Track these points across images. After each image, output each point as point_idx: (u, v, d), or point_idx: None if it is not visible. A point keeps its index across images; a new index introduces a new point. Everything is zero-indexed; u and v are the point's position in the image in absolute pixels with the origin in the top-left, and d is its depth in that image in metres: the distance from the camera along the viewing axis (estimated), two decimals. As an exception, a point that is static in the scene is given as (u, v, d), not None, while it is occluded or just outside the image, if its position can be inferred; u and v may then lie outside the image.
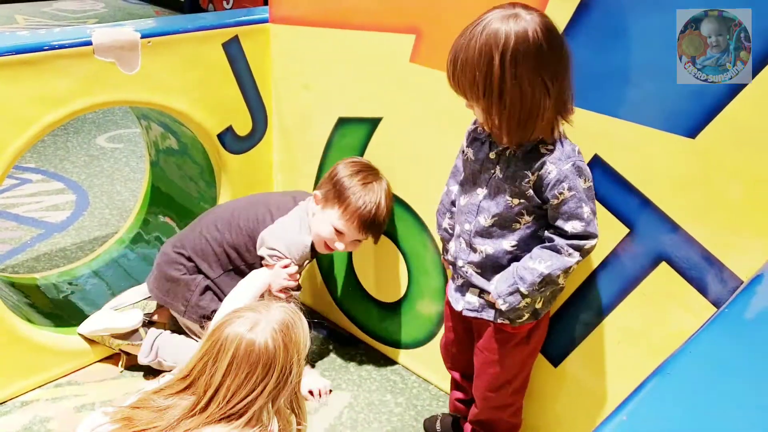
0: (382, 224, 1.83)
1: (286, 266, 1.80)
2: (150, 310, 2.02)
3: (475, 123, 1.43)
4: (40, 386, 1.90)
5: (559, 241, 1.33)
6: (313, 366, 2.04)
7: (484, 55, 1.21)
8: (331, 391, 1.95)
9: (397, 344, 2.06)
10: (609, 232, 1.43)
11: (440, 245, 1.79)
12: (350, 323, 2.18)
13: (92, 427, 1.22)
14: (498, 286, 1.40)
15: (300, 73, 2.06)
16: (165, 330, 1.97)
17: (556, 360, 1.64)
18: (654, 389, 0.86)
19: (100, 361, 2.00)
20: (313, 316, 2.26)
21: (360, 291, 2.11)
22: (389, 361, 2.07)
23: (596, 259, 1.49)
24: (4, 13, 6.43)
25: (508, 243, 1.39)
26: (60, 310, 2.13)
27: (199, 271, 1.90)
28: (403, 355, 2.05)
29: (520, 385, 1.57)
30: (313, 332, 2.13)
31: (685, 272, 1.37)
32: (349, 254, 2.10)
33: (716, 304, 1.34)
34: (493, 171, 1.38)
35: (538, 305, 1.43)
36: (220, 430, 1.19)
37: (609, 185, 1.43)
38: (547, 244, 1.36)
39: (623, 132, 1.38)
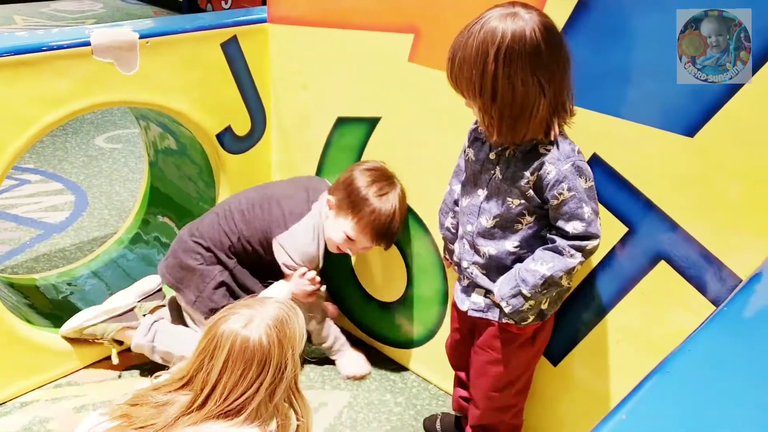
0: (395, 234, 1.83)
1: (304, 274, 1.85)
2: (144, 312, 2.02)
3: (476, 122, 1.43)
4: (39, 387, 1.90)
5: (560, 242, 1.33)
6: (307, 362, 2.04)
7: (481, 52, 1.21)
8: (365, 375, 2.01)
9: (397, 343, 2.06)
10: (608, 231, 1.43)
11: (440, 244, 1.80)
12: (350, 322, 2.18)
13: (90, 427, 1.23)
14: (501, 288, 1.39)
15: (298, 72, 2.06)
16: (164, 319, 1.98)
17: (555, 359, 1.65)
18: (653, 388, 0.86)
19: (100, 361, 2.00)
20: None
21: (359, 290, 2.11)
22: (388, 361, 2.07)
23: (595, 258, 1.49)
24: (3, 13, 6.43)
25: (510, 244, 1.39)
26: (59, 311, 2.12)
27: (218, 262, 1.90)
28: (402, 355, 2.05)
29: (523, 386, 1.57)
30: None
31: (684, 271, 1.37)
32: (349, 254, 2.10)
33: (715, 302, 1.34)
34: (493, 172, 1.37)
35: (544, 306, 1.42)
36: (218, 427, 1.20)
37: (608, 184, 1.43)
38: (549, 245, 1.35)
39: (622, 131, 1.38)
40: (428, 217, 1.83)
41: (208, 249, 1.90)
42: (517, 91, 1.22)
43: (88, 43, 1.77)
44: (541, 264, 1.34)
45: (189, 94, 1.98)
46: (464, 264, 1.46)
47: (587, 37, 1.38)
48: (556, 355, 1.64)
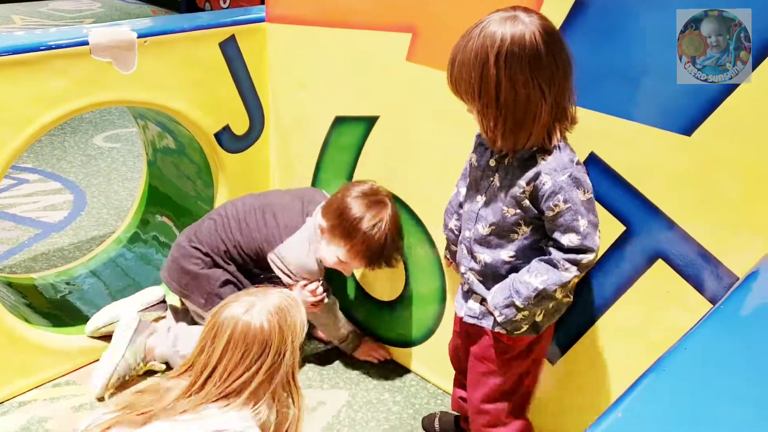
0: (390, 257, 1.83)
1: (304, 286, 1.86)
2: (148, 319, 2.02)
3: None
4: (37, 386, 1.90)
5: (556, 254, 1.30)
6: (306, 359, 2.04)
7: (480, 56, 1.21)
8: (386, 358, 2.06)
9: (395, 342, 2.06)
10: (605, 229, 1.43)
11: (438, 242, 1.80)
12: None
13: (94, 418, 1.24)
14: (495, 297, 1.37)
15: (297, 72, 2.06)
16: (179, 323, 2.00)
17: (553, 358, 1.65)
18: (650, 386, 0.86)
19: (98, 361, 1.99)
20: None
21: (358, 289, 2.12)
22: (387, 360, 2.07)
23: (593, 256, 1.49)
24: (1, 13, 6.43)
25: (506, 253, 1.37)
26: (58, 310, 2.13)
27: (217, 265, 1.91)
28: (401, 354, 2.06)
29: (518, 404, 1.51)
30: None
31: (681, 269, 1.38)
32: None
33: (713, 301, 1.34)
34: (492, 179, 1.36)
35: (539, 318, 1.39)
36: (215, 411, 1.21)
37: (605, 183, 1.43)
38: (545, 257, 1.33)
39: (619, 129, 1.38)
40: (426, 216, 1.83)
41: (206, 254, 1.90)
42: (519, 95, 1.21)
43: (86, 43, 1.77)
44: (536, 276, 1.31)
45: (187, 93, 1.98)
46: (462, 269, 1.45)
47: (584, 37, 1.38)
48: (553, 354, 1.64)
